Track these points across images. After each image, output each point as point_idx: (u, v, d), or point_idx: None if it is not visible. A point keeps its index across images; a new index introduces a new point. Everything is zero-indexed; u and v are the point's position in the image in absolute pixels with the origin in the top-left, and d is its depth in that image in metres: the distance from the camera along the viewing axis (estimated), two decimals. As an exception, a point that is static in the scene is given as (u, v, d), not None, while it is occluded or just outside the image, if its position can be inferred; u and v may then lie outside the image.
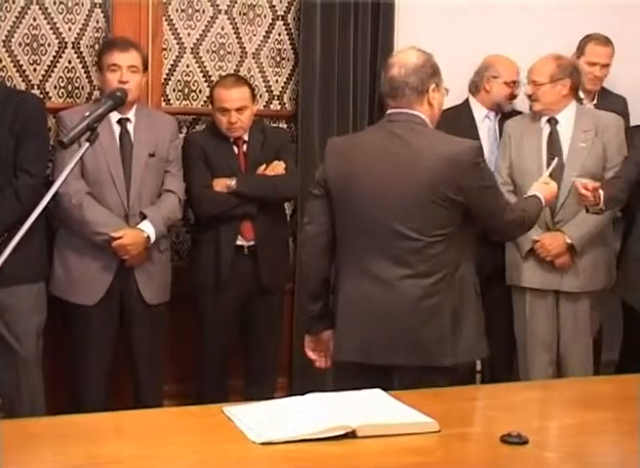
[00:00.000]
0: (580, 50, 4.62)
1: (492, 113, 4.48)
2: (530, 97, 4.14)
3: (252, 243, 4.00)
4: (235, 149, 4.04)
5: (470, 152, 2.84)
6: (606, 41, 4.60)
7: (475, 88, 4.49)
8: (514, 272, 4.18)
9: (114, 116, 3.74)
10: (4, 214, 3.46)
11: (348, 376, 2.87)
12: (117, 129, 3.80)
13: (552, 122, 4.10)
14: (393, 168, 2.84)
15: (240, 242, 3.99)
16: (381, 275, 2.85)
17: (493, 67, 4.46)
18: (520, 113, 4.46)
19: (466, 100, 4.50)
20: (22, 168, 3.56)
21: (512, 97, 4.48)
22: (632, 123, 4.58)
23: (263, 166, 4.02)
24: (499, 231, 3.04)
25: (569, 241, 4.04)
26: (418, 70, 2.87)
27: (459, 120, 4.26)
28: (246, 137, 4.04)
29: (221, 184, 3.96)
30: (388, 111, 2.95)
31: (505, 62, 4.49)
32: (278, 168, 4.02)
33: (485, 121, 4.48)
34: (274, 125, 4.51)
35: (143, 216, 3.80)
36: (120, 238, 3.71)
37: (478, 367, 4.65)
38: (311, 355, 3.09)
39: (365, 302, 2.87)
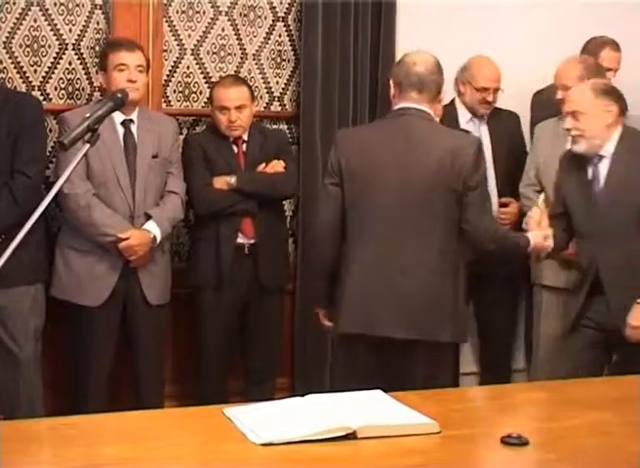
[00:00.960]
0: (594, 54, 4.48)
1: (475, 117, 4.38)
2: (561, 100, 4.11)
3: (252, 241, 4.01)
4: (235, 148, 4.05)
5: (473, 145, 3.12)
6: (617, 45, 4.57)
7: (457, 89, 4.40)
8: (534, 270, 4.23)
9: (118, 117, 3.74)
10: (0, 215, 3.45)
11: (349, 348, 3.17)
12: (121, 130, 3.80)
13: None
14: (405, 160, 3.07)
15: (240, 240, 4.00)
16: (391, 260, 3.07)
17: (468, 71, 4.34)
18: (504, 111, 4.44)
19: (453, 101, 4.38)
20: (19, 169, 3.55)
21: (485, 102, 4.33)
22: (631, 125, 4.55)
23: (263, 164, 4.04)
24: (475, 232, 3.08)
25: None
26: (439, 70, 3.19)
27: (442, 121, 4.18)
28: (245, 137, 4.05)
29: (221, 182, 3.97)
30: (399, 106, 3.14)
31: (480, 67, 4.33)
32: (277, 166, 4.04)
33: (469, 124, 4.38)
34: (275, 126, 4.51)
35: (148, 217, 3.81)
36: (127, 239, 3.72)
37: (474, 368, 4.65)
38: (326, 323, 3.36)
39: (372, 283, 3.08)
